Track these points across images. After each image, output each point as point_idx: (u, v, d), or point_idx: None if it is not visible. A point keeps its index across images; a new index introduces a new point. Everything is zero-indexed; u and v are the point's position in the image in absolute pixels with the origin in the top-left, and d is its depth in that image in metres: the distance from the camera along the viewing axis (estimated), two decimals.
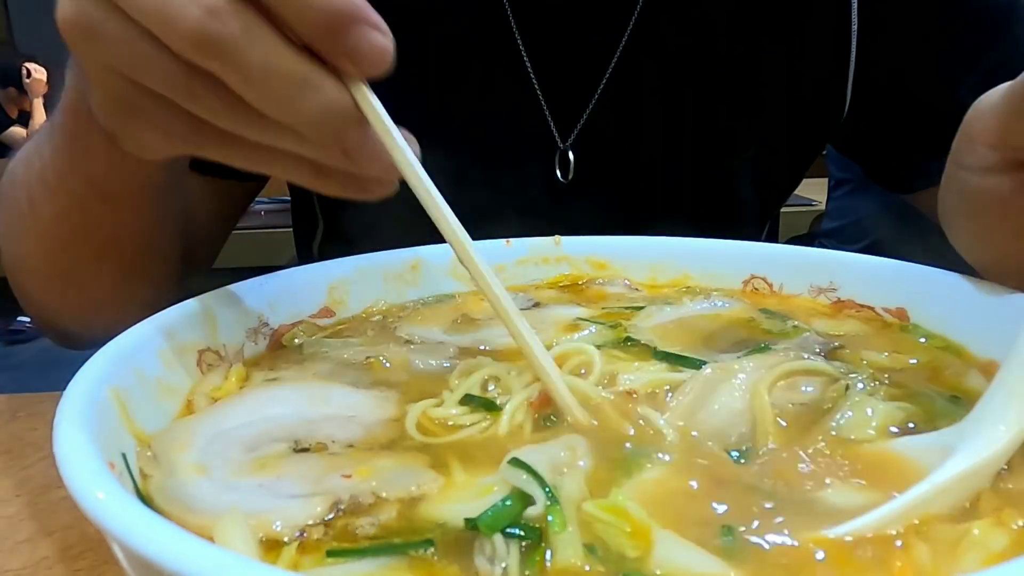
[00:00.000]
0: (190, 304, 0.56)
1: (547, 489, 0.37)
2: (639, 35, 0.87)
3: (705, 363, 0.52)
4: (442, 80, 0.88)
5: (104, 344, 0.47)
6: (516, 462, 0.39)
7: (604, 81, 0.88)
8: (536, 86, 0.88)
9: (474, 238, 0.75)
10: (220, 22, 0.39)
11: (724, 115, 0.90)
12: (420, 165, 0.46)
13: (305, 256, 1.07)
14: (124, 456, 0.41)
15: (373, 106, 0.43)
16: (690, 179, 0.92)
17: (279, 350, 0.61)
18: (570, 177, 0.90)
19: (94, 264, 0.70)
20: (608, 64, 0.88)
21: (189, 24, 0.39)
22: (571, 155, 0.90)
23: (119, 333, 0.49)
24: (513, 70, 0.88)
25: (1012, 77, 0.47)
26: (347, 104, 0.43)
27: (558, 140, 0.90)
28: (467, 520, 0.36)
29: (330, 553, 0.36)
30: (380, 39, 0.41)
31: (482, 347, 0.59)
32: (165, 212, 0.70)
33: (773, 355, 0.53)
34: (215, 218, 0.90)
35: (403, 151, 0.45)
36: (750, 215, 0.99)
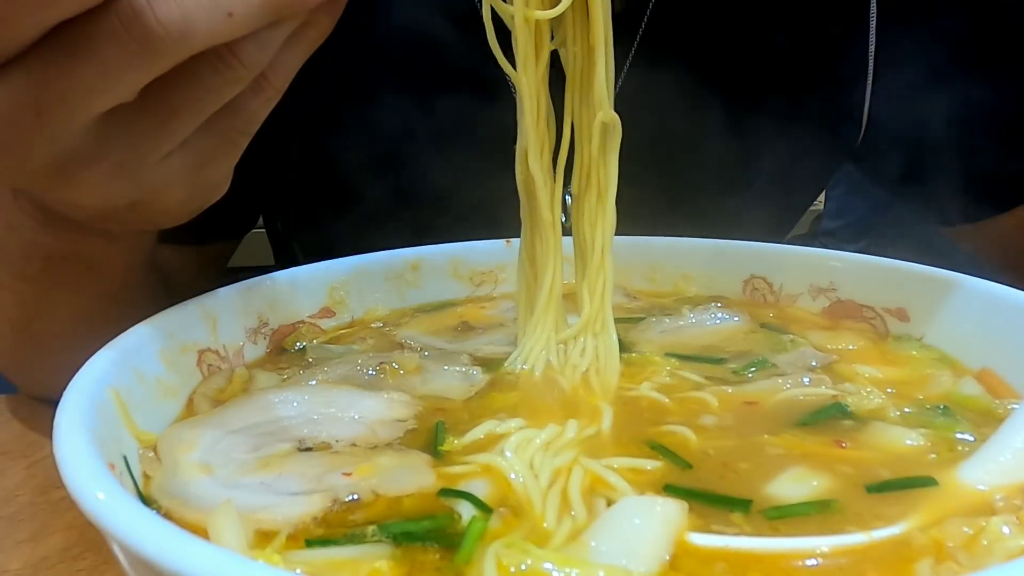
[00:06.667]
0: (190, 304, 0.56)
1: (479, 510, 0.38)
2: (651, 36, 0.87)
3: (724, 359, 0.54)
4: (452, 65, 0.88)
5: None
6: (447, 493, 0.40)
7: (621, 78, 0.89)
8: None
9: (477, 236, 0.75)
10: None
11: (733, 126, 0.89)
12: None
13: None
14: (125, 458, 0.42)
15: None
16: (701, 182, 0.92)
17: (282, 353, 0.61)
18: None
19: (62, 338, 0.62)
20: (624, 64, 0.88)
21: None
22: None
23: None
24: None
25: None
26: None
27: None
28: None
29: (309, 543, 0.37)
30: None
31: (481, 355, 0.59)
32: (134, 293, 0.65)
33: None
34: (194, 279, 0.88)
35: None
36: (765, 224, 0.98)
